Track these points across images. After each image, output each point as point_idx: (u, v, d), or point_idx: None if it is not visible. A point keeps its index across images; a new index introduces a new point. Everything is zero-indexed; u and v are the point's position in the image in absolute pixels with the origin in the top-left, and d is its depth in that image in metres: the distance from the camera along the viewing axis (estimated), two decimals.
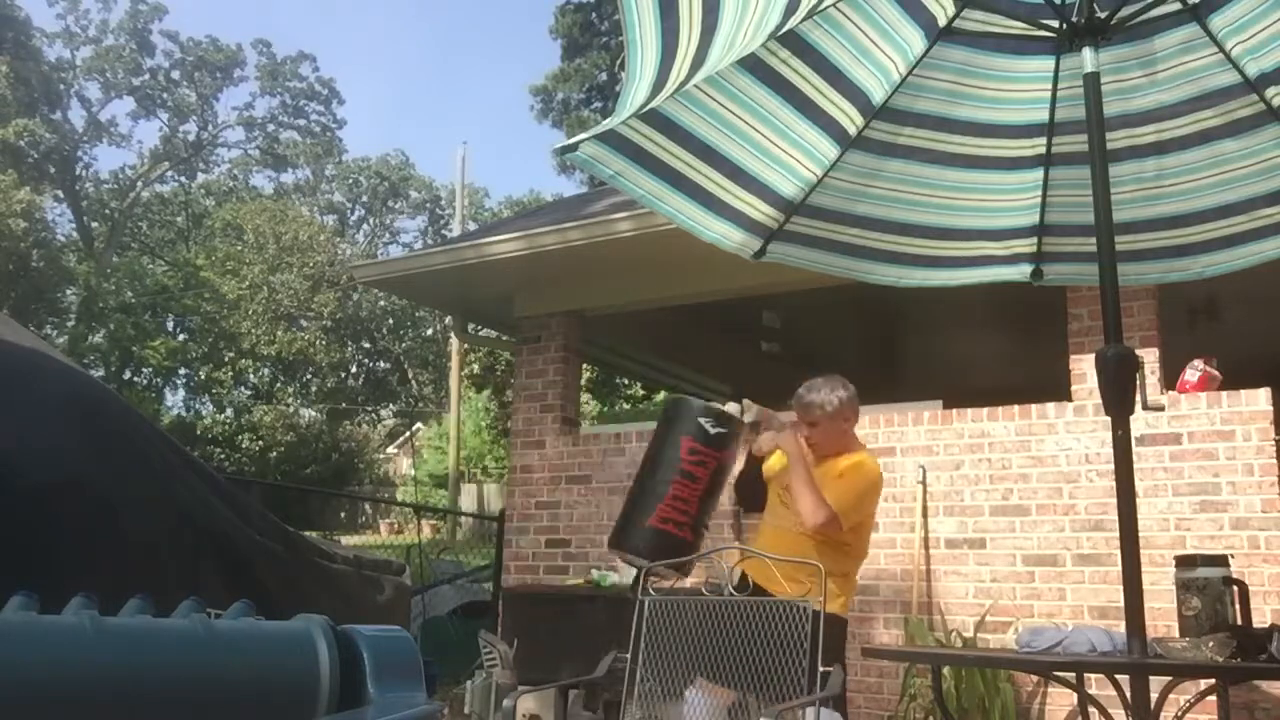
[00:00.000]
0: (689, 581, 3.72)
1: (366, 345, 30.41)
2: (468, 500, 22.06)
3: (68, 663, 0.86)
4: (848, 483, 3.40)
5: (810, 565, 3.10)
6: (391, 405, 31.92)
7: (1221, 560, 3.30)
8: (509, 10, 67.04)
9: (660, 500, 3.41)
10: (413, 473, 24.99)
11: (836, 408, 3.45)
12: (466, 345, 18.45)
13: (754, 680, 2.93)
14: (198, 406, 27.79)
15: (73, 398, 2.20)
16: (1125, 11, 2.83)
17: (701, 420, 3.45)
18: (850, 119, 3.13)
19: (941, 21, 3.04)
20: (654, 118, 2.86)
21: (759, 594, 3.13)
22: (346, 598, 2.77)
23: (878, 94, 3.11)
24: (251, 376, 27.15)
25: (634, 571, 3.73)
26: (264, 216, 28.23)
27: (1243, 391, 4.68)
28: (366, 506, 23.90)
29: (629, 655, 3.12)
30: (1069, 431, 5.00)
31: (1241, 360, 5.11)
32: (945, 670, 4.28)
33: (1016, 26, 3.04)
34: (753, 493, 3.69)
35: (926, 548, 5.20)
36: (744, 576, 3.24)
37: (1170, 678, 3.16)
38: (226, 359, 25.96)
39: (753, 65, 2.87)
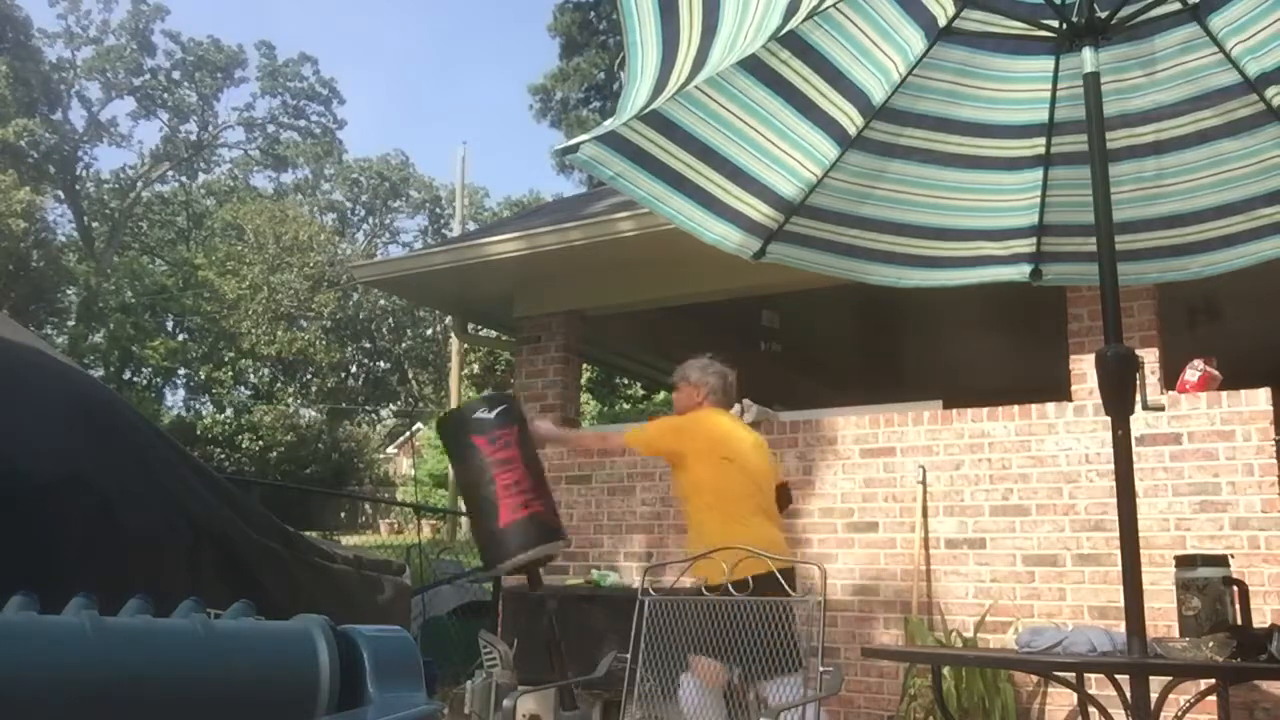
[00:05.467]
0: (688, 581, 3.73)
1: (366, 345, 30.40)
2: None
3: (68, 663, 0.86)
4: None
5: (809, 566, 3.11)
6: (391, 405, 31.91)
7: (1221, 560, 3.30)
8: (509, 10, 67.06)
9: (498, 500, 3.50)
10: (413, 473, 24.97)
11: (694, 376, 4.13)
12: (466, 345, 18.45)
13: (749, 656, 2.97)
14: (198, 406, 27.81)
15: (73, 398, 2.20)
16: (1125, 11, 2.83)
17: (476, 415, 3.60)
18: (850, 119, 3.13)
19: (941, 22, 3.03)
20: (654, 119, 2.86)
21: (759, 588, 3.15)
22: (346, 598, 2.76)
23: (878, 94, 3.11)
24: (251, 376, 27.16)
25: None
26: (264, 216, 28.24)
27: (1243, 391, 4.68)
28: (366, 506, 23.92)
29: (629, 655, 3.12)
30: (1069, 431, 5.00)
31: (1241, 360, 5.11)
32: (945, 670, 4.28)
33: (1016, 26, 3.03)
34: None
35: (926, 548, 5.20)
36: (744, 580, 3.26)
37: (1170, 678, 3.16)
38: (226, 359, 25.97)
39: (753, 66, 2.87)
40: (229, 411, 25.67)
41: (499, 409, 3.61)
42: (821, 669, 2.89)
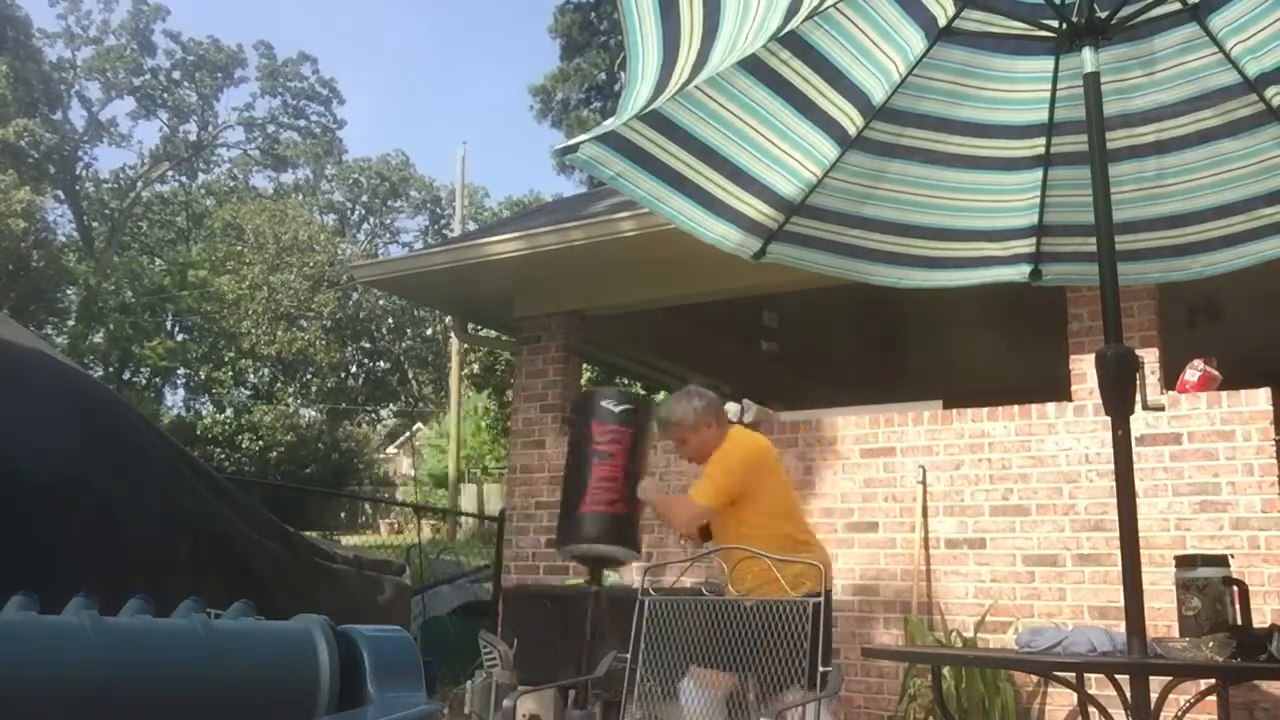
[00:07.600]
0: (689, 582, 3.73)
1: (366, 345, 30.39)
2: (468, 500, 22.06)
3: (68, 663, 0.86)
4: (704, 474, 3.58)
5: (811, 565, 3.11)
6: (391, 405, 31.90)
7: (1221, 560, 3.30)
8: (509, 10, 67.08)
9: (586, 486, 3.59)
10: (413, 473, 24.99)
11: (695, 417, 3.63)
12: (466, 345, 18.45)
13: (752, 665, 2.95)
14: (198, 406, 27.81)
15: (72, 398, 2.20)
16: (1125, 11, 2.83)
17: (604, 404, 3.69)
18: (850, 119, 3.13)
19: (941, 22, 3.03)
20: (654, 119, 2.86)
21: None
22: (347, 598, 2.77)
23: (878, 94, 3.11)
24: (251, 376, 27.15)
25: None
26: (264, 216, 28.23)
27: (1243, 391, 4.68)
28: (366, 506, 23.91)
29: (629, 655, 3.12)
30: (1069, 431, 5.00)
31: (1241, 360, 5.11)
32: (945, 670, 4.28)
33: (1016, 26, 3.03)
34: None
35: (926, 548, 5.20)
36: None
37: (1170, 678, 3.16)
38: (226, 359, 25.96)
39: (753, 66, 2.87)
40: (229, 411, 25.65)
41: (624, 408, 3.71)
42: (822, 669, 2.89)
